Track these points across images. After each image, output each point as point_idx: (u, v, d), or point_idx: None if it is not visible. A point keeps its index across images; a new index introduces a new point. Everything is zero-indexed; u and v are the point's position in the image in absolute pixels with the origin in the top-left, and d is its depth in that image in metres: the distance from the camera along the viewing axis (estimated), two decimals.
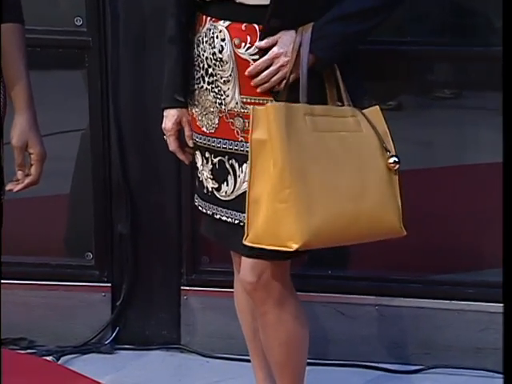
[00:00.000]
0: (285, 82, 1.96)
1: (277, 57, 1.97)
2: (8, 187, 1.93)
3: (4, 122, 1.91)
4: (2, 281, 2.44)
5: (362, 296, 2.78)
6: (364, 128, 1.99)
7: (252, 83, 1.99)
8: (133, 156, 2.79)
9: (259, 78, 1.98)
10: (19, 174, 1.92)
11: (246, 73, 1.99)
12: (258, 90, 1.99)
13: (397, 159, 1.98)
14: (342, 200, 1.92)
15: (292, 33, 1.96)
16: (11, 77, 1.87)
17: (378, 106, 2.04)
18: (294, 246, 1.88)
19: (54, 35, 2.69)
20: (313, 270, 2.77)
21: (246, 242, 1.96)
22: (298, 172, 1.89)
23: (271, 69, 1.98)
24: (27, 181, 1.92)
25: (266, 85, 1.99)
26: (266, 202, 1.91)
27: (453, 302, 2.74)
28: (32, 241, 2.86)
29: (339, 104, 1.99)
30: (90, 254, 2.87)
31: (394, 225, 2.00)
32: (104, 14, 2.63)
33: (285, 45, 1.97)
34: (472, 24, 2.70)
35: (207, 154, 2.12)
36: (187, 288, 2.86)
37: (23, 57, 1.88)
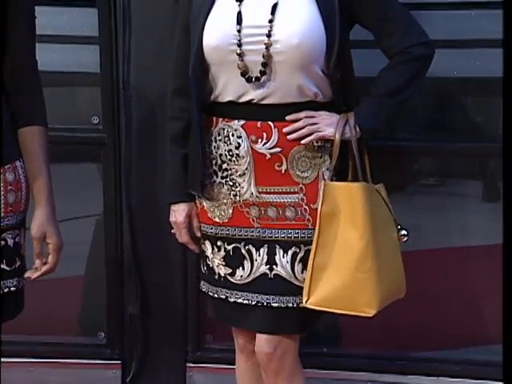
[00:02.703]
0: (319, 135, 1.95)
1: (322, 115, 1.96)
2: (26, 275, 1.87)
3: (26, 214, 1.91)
4: (19, 359, 2.41)
5: (354, 372, 2.69)
6: (382, 203, 2.01)
7: (285, 130, 1.94)
8: (143, 241, 2.73)
9: (299, 123, 1.94)
10: (37, 262, 1.87)
11: (288, 118, 1.95)
12: (289, 137, 1.94)
13: (406, 232, 2.04)
14: (393, 267, 2.01)
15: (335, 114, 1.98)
16: (34, 174, 1.85)
17: (383, 184, 2.04)
18: (372, 312, 1.94)
19: (73, 132, 2.69)
20: (309, 347, 2.71)
21: (307, 305, 1.93)
22: (375, 245, 1.93)
23: (315, 119, 1.95)
24: (44, 269, 1.88)
25: (302, 130, 1.94)
26: (343, 271, 1.92)
27: (440, 378, 2.65)
28: (48, 320, 2.77)
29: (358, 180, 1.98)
30: (102, 333, 2.80)
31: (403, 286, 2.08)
32: (118, 113, 2.62)
33: (331, 115, 1.98)
34: (454, 122, 2.71)
35: (219, 243, 2.03)
36: (192, 365, 2.76)
37: (45, 157, 1.86)
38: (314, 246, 1.93)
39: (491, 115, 2.64)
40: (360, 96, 2.06)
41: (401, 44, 1.96)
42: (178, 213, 2.10)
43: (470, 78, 2.58)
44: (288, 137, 1.95)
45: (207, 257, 2.09)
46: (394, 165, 2.70)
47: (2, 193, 1.83)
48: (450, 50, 2.50)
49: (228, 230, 2.02)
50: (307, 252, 1.98)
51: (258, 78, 1.92)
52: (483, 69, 2.52)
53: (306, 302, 1.95)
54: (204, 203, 2.07)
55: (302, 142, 1.95)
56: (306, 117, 1.96)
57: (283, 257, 1.99)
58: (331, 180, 1.97)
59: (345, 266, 1.92)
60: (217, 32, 1.93)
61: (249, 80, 1.93)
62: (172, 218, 2.12)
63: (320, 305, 1.95)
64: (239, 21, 1.92)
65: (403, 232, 2.03)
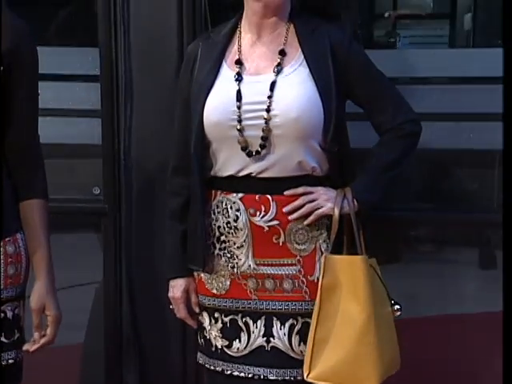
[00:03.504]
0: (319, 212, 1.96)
1: (319, 191, 1.97)
2: (25, 347, 1.84)
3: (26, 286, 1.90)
4: None
5: None
6: (376, 277, 1.99)
7: (284, 209, 1.95)
8: (142, 311, 2.68)
9: (298, 202, 1.95)
10: (36, 335, 1.85)
11: (286, 193, 1.95)
12: (290, 217, 1.95)
13: (399, 306, 2.01)
14: (391, 340, 1.99)
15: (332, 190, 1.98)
16: (34, 247, 1.84)
17: (375, 258, 2.02)
18: None
19: (75, 203, 2.69)
20: None
21: (308, 379, 1.89)
22: (375, 318, 1.91)
23: (313, 195, 1.96)
24: (43, 341, 1.85)
25: (301, 210, 1.95)
26: (345, 344, 1.90)
27: None
28: None
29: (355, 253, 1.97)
30: None
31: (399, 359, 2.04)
32: (119, 184, 2.60)
33: (328, 190, 1.99)
34: (449, 192, 2.72)
35: (216, 314, 2.01)
36: None
37: (45, 230, 1.85)
38: (314, 319, 1.91)
39: (485, 186, 2.65)
40: (355, 168, 2.08)
41: (392, 121, 2.00)
42: (176, 288, 2.08)
43: (464, 150, 2.60)
44: (289, 217, 1.95)
45: (204, 328, 2.07)
46: (391, 233, 2.70)
47: (2, 265, 1.82)
48: (445, 123, 2.53)
49: (225, 301, 2.00)
50: (304, 324, 1.96)
51: (258, 152, 1.93)
52: (477, 141, 2.54)
53: (308, 375, 1.92)
54: (202, 275, 2.05)
55: (305, 222, 1.96)
56: (303, 193, 1.96)
57: (280, 329, 1.96)
58: (330, 253, 1.96)
59: (346, 339, 1.90)
60: (217, 109, 1.95)
61: (249, 154, 1.94)
62: (170, 294, 2.10)
63: (321, 379, 1.91)
64: (239, 98, 1.94)
65: (397, 306, 2.01)
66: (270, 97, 1.92)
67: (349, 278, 1.91)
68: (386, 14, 4.20)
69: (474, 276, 2.72)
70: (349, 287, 1.91)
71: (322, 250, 1.99)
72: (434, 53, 2.60)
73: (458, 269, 2.73)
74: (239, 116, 1.93)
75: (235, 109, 1.93)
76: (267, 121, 1.91)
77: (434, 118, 2.43)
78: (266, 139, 1.92)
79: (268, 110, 1.91)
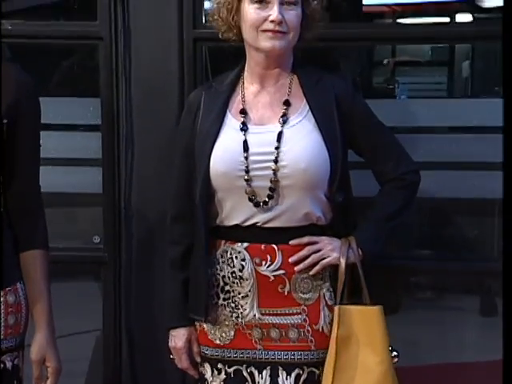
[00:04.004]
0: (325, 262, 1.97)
1: (324, 241, 1.98)
2: None
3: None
4: None
5: None
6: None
7: (290, 260, 1.95)
8: (142, 360, 2.65)
9: (304, 252, 1.95)
10: None
11: (291, 243, 1.96)
12: (297, 268, 1.95)
13: (397, 353, 2.00)
14: None
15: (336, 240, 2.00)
16: (34, 298, 1.84)
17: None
18: None
19: (75, 252, 2.69)
20: None
21: None
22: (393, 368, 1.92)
23: (318, 245, 1.97)
24: None
25: (307, 260, 1.95)
26: None
27: None
28: None
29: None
30: None
31: None
32: (119, 233, 2.59)
33: (333, 240, 1.99)
34: (450, 241, 2.73)
35: (219, 365, 1.99)
36: None
37: (45, 280, 1.85)
38: (330, 370, 1.90)
39: (485, 235, 2.67)
40: (357, 217, 2.09)
41: (394, 171, 2.02)
42: (178, 338, 2.06)
43: (463, 199, 2.61)
44: (295, 268, 1.95)
45: (206, 380, 2.04)
46: (391, 281, 2.71)
47: (3, 315, 1.81)
48: (444, 172, 2.54)
49: (229, 352, 1.99)
50: (310, 374, 1.95)
51: (265, 203, 1.94)
52: (476, 190, 2.55)
53: None
54: (204, 325, 2.03)
55: (311, 272, 1.97)
56: (308, 242, 1.97)
57: (286, 379, 1.95)
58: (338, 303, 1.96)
59: None
60: (224, 159, 1.95)
61: (256, 205, 1.94)
62: (171, 344, 2.08)
63: None
64: (246, 148, 1.95)
65: (394, 353, 2.00)
66: (277, 148, 1.93)
67: (364, 328, 1.91)
68: (385, 61, 4.26)
69: (474, 324, 2.71)
70: (365, 338, 1.91)
71: (326, 298, 1.99)
72: (433, 102, 2.62)
73: (458, 316, 2.72)
74: (247, 167, 1.93)
75: (242, 159, 1.94)
76: (275, 171, 1.92)
77: (434, 167, 2.45)
78: (273, 190, 1.93)
79: (276, 161, 1.92)
